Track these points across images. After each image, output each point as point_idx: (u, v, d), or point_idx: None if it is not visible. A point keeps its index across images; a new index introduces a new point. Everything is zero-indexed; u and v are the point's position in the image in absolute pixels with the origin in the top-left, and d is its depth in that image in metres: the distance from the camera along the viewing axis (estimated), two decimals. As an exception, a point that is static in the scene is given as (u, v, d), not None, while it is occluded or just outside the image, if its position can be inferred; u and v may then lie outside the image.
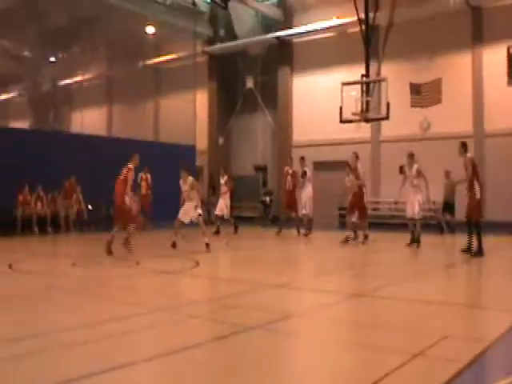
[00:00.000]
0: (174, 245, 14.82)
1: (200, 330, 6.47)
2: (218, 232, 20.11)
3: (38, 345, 5.60)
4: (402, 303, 8.07)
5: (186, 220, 15.34)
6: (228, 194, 20.64)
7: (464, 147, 13.67)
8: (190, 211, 15.32)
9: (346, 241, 16.51)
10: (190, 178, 15.40)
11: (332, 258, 14.64)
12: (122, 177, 13.86)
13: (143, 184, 22.20)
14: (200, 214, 15.20)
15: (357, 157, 17.47)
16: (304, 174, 19.90)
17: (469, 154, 13.66)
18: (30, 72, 38.37)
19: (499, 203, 23.49)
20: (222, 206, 20.45)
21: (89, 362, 5.06)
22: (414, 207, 16.16)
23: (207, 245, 14.40)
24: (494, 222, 22.10)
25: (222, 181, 20.93)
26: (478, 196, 13.28)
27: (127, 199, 13.89)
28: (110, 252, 13.34)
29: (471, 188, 13.33)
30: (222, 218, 20.55)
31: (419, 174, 16.20)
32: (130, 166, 13.97)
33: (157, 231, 21.08)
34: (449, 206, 21.00)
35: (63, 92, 40.38)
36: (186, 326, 6.51)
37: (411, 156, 16.54)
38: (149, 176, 22.37)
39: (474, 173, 13.37)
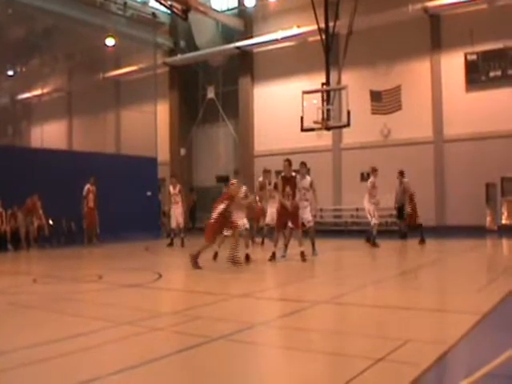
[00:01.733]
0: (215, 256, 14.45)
1: (164, 343, 6.39)
2: (171, 244, 19.65)
3: (-2, 364, 5.46)
4: (364, 309, 8.11)
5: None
6: (180, 204, 19.67)
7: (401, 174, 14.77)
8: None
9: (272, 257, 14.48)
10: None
11: (295, 267, 14.62)
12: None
13: (91, 196, 21.55)
14: (247, 228, 14.73)
15: (289, 164, 14.86)
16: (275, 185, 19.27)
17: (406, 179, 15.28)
18: (-13, 86, 37.87)
19: (458, 207, 23.83)
20: (179, 218, 19.59)
21: (52, 379, 4.96)
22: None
23: (248, 257, 14.07)
24: (454, 226, 22.41)
25: (175, 190, 19.78)
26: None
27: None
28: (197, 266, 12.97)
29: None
30: (176, 229, 19.81)
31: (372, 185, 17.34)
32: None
33: (118, 244, 20.82)
34: (400, 212, 21.00)
35: (22, 106, 39.94)
36: (150, 339, 6.42)
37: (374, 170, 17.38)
38: (94, 188, 21.74)
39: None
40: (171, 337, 6.69)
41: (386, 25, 26.19)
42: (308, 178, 15.21)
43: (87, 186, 21.26)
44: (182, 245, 19.33)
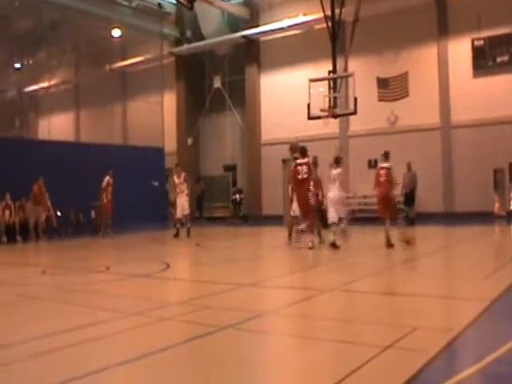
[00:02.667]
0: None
1: (173, 332, 6.40)
2: (177, 235, 19.25)
3: (8, 356, 5.48)
4: (372, 296, 8.10)
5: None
6: (186, 193, 19.48)
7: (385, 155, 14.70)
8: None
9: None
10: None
11: (303, 255, 14.63)
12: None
13: (109, 189, 21.43)
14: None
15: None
16: None
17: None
18: (-5, 78, 37.90)
19: (466, 193, 23.74)
20: (185, 207, 19.37)
21: (61, 369, 4.97)
22: None
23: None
24: (462, 213, 22.34)
25: (180, 179, 19.62)
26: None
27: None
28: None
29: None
30: (182, 219, 19.55)
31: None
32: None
33: (125, 234, 20.84)
34: (408, 198, 21.08)
35: (29, 98, 39.92)
36: (159, 329, 6.44)
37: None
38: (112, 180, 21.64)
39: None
40: (179, 326, 6.71)
41: (393, 11, 26.02)
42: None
43: (107, 178, 21.18)
44: (188, 235, 19.18)
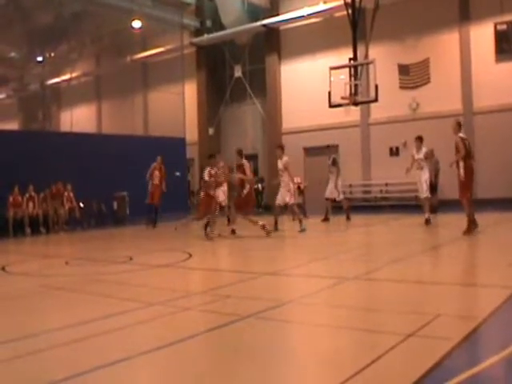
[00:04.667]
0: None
1: (195, 322, 6.44)
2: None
3: (31, 346, 5.53)
4: (394, 284, 8.06)
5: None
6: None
7: (459, 126, 13.73)
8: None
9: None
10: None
11: (324, 242, 14.65)
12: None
13: (156, 173, 20.82)
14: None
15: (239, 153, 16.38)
16: None
17: (460, 134, 13.62)
18: (18, 73, 38.21)
19: (490, 180, 23.52)
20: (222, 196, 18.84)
21: (84, 359, 5.02)
22: (422, 187, 16.87)
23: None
24: (485, 199, 22.13)
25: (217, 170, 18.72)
26: (461, 177, 13.34)
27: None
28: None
29: (458, 169, 13.44)
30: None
31: (427, 156, 17.00)
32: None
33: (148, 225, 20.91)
34: (431, 186, 20.90)
35: (51, 91, 40.22)
36: (182, 319, 6.47)
37: (420, 139, 16.91)
38: (162, 166, 21.17)
39: (460, 153, 13.31)
40: (202, 316, 6.74)
41: (413, -3, 25.83)
42: (283, 160, 16.66)
43: (153, 165, 20.81)
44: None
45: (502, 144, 23.74)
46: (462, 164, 13.28)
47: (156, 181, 20.75)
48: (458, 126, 13.74)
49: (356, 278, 8.64)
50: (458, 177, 13.50)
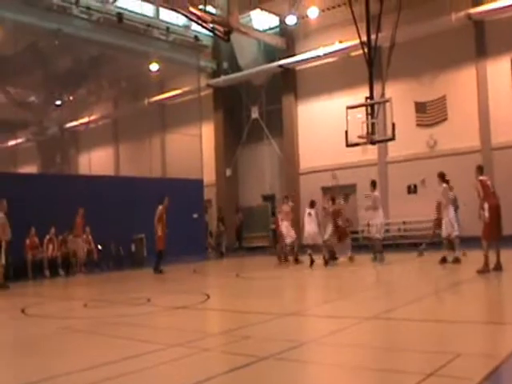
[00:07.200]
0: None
1: (214, 363, 6.37)
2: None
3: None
4: (414, 324, 7.95)
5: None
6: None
7: (478, 170, 13.76)
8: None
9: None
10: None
11: (342, 282, 14.53)
12: None
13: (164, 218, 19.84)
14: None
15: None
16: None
17: (480, 177, 13.57)
18: (37, 117, 38.62)
19: (509, 216, 23.21)
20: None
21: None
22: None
23: None
24: (507, 236, 21.82)
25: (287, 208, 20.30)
26: (485, 218, 13.14)
27: None
28: None
29: (482, 210, 13.28)
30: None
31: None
32: None
33: (165, 266, 20.81)
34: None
35: (70, 134, 40.59)
36: (201, 360, 6.39)
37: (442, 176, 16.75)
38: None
39: (480, 195, 13.27)
40: (221, 357, 6.68)
41: (429, 35, 25.88)
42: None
43: (160, 208, 19.57)
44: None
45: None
46: (486, 206, 13.11)
47: (164, 228, 19.66)
48: (478, 169, 13.79)
49: (374, 317, 8.54)
50: (481, 218, 13.28)
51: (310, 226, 19.02)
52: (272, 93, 32.35)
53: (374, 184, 18.58)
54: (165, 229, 19.51)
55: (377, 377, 5.40)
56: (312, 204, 19.47)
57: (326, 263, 17.98)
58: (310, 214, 19.10)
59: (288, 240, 19.68)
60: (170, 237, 19.73)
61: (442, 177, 16.59)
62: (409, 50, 25.76)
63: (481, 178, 13.52)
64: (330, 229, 18.79)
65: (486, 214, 13.06)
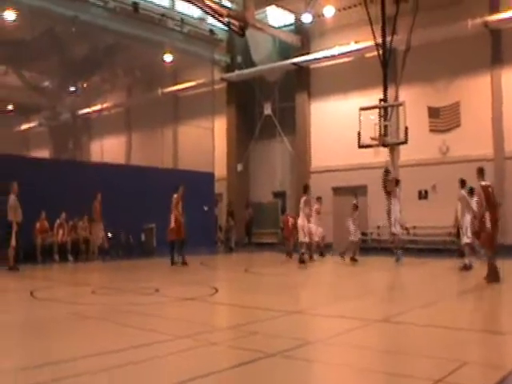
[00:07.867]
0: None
1: (220, 357, 6.41)
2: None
3: (56, 372, 5.55)
4: (422, 329, 7.94)
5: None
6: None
7: (479, 172, 13.32)
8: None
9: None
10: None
11: (351, 283, 14.56)
12: None
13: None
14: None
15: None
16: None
17: (482, 182, 13.18)
18: (50, 102, 38.72)
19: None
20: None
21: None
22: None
23: None
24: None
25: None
26: (487, 229, 12.83)
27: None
28: None
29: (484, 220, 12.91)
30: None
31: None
32: None
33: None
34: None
35: (82, 121, 40.68)
36: (207, 353, 6.44)
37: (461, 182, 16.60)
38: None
39: (483, 206, 12.90)
40: (228, 351, 6.73)
41: (445, 40, 25.76)
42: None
43: (176, 195, 19.05)
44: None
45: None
46: (487, 216, 12.76)
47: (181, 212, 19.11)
48: (479, 172, 13.34)
49: (383, 320, 8.56)
50: (483, 227, 13.06)
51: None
52: (285, 90, 32.31)
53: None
54: (180, 218, 18.93)
55: (382, 380, 5.43)
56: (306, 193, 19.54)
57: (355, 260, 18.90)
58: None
59: (315, 238, 20.52)
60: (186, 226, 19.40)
61: (462, 183, 16.36)
62: (424, 54, 25.66)
63: (483, 183, 13.11)
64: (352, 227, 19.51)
65: (488, 224, 12.84)
